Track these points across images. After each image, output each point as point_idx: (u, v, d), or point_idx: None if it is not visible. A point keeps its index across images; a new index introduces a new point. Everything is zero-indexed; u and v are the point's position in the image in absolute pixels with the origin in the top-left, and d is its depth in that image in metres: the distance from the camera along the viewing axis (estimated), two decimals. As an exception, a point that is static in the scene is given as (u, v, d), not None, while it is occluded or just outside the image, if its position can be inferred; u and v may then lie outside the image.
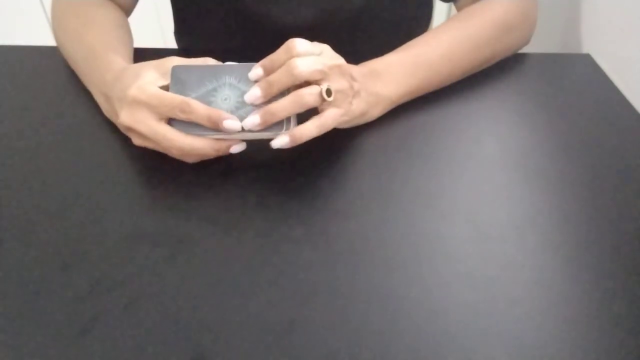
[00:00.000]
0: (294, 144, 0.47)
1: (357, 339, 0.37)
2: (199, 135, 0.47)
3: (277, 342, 0.37)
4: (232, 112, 0.47)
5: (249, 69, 0.48)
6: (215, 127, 0.46)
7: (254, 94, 0.47)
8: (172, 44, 0.85)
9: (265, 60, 0.48)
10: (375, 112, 0.56)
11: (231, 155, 0.50)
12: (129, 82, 0.48)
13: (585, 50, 0.75)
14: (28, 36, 1.56)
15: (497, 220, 0.46)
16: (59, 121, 0.58)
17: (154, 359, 0.36)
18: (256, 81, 0.48)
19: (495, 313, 0.39)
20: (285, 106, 0.46)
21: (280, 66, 0.47)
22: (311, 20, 0.67)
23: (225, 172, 0.51)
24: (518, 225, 0.46)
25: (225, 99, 0.47)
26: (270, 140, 0.48)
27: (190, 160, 0.50)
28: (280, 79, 0.46)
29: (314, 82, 0.47)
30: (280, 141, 0.47)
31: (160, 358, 0.36)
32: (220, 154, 0.49)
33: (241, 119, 0.47)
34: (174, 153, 0.49)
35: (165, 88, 0.48)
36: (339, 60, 0.50)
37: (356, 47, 0.70)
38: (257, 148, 0.50)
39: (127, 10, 0.70)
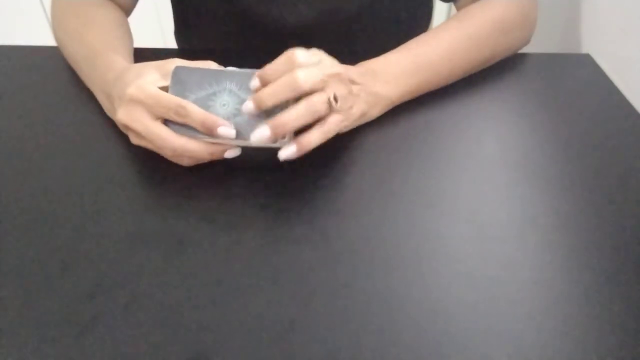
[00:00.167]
0: (301, 154, 0.46)
1: (357, 339, 0.37)
2: (193, 137, 0.47)
3: (277, 342, 0.37)
4: (229, 119, 0.47)
5: (251, 76, 0.48)
6: (209, 133, 0.46)
7: (250, 106, 0.46)
8: (172, 44, 0.85)
9: (264, 71, 0.47)
10: (375, 112, 0.56)
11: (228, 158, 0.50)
12: (129, 80, 0.48)
13: (585, 50, 0.75)
14: (28, 36, 1.55)
15: (497, 220, 0.46)
16: (59, 121, 0.58)
17: (154, 359, 0.36)
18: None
19: (495, 313, 0.39)
20: (298, 116, 0.45)
21: (278, 77, 0.46)
22: (311, 20, 0.67)
23: (225, 172, 0.51)
24: (518, 225, 0.46)
25: (224, 105, 0.47)
26: (266, 148, 0.48)
27: (183, 162, 0.50)
28: (282, 91, 0.45)
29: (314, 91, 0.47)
30: (287, 152, 0.46)
31: (160, 358, 0.36)
32: (215, 158, 0.49)
33: (238, 126, 0.47)
34: (167, 154, 0.49)
35: (165, 89, 0.48)
36: (337, 67, 0.49)
37: (356, 47, 0.70)
38: (257, 148, 0.50)
39: (127, 10, 0.70)
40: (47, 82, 0.64)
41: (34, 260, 0.43)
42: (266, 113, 0.47)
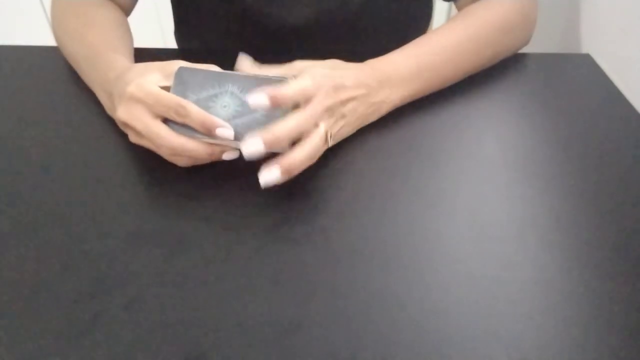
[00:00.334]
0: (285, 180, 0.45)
1: (357, 339, 0.37)
2: (192, 137, 0.47)
3: (277, 342, 0.37)
4: (228, 121, 0.47)
5: (254, 81, 0.48)
6: (208, 134, 0.46)
7: (255, 146, 0.44)
8: (172, 44, 0.85)
9: (276, 97, 0.45)
10: (375, 117, 0.56)
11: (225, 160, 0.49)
12: (130, 79, 0.48)
13: (585, 50, 0.75)
14: (28, 36, 1.56)
15: (497, 220, 0.46)
16: (59, 121, 0.58)
17: (154, 359, 0.36)
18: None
19: (495, 313, 0.39)
20: (303, 161, 0.45)
21: (291, 103, 0.46)
22: (311, 20, 0.67)
23: (225, 172, 0.51)
24: (518, 225, 0.46)
25: (225, 106, 0.47)
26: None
27: (181, 163, 0.50)
28: (287, 136, 0.45)
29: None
30: (270, 176, 0.45)
31: (161, 358, 0.36)
32: (213, 159, 0.49)
33: (237, 127, 0.47)
34: (165, 152, 0.49)
35: (167, 89, 0.48)
36: (341, 94, 0.49)
37: (356, 47, 0.70)
38: (257, 148, 0.50)
39: (127, 10, 0.70)
40: (47, 82, 0.64)
41: (34, 260, 0.43)
42: (266, 117, 0.47)
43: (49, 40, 0.69)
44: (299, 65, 0.51)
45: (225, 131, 0.46)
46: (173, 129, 0.47)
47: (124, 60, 0.55)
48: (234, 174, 0.51)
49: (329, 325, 0.38)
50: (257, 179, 0.50)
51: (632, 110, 0.59)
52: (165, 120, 0.48)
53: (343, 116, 0.51)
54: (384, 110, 0.56)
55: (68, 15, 0.64)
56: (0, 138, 0.56)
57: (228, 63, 0.51)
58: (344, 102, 0.51)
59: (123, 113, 0.48)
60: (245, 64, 0.51)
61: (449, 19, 0.63)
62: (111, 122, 0.56)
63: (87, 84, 0.61)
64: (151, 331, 0.38)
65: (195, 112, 0.46)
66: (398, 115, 0.57)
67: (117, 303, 0.40)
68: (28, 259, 0.43)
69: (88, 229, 0.45)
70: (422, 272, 0.42)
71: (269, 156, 0.45)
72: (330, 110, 0.49)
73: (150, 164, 0.52)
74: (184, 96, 0.47)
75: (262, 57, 0.51)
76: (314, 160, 0.47)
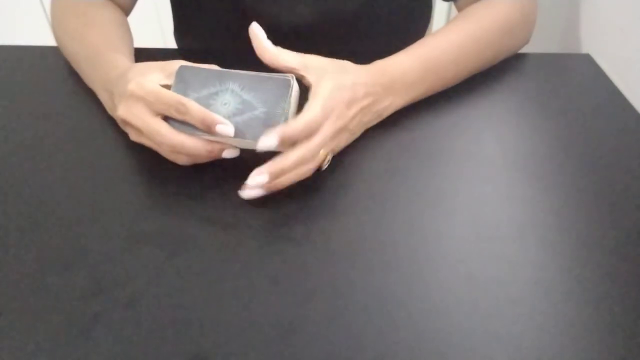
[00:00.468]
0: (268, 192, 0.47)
1: (357, 339, 0.37)
2: (192, 135, 0.47)
3: (277, 342, 0.37)
4: (229, 118, 0.47)
5: (255, 78, 0.48)
6: (208, 131, 0.46)
7: (263, 179, 0.46)
8: (172, 44, 0.85)
9: (284, 136, 0.45)
10: (375, 122, 0.55)
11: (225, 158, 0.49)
12: (131, 77, 0.48)
13: (585, 50, 0.75)
14: (28, 36, 1.55)
15: (497, 220, 0.46)
16: (59, 121, 0.58)
17: (154, 359, 0.36)
18: (260, 96, 0.47)
19: (495, 313, 0.39)
20: (288, 179, 0.46)
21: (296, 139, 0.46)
22: (311, 20, 0.67)
23: (226, 172, 0.51)
24: (518, 225, 0.46)
25: (225, 104, 0.47)
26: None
27: (181, 161, 0.50)
28: (290, 168, 0.46)
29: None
30: (254, 191, 0.46)
31: (160, 358, 0.36)
32: (213, 156, 0.49)
33: (238, 125, 0.47)
34: (165, 150, 0.49)
35: (168, 88, 0.48)
36: (341, 118, 0.48)
37: (355, 47, 0.70)
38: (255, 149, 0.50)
39: (126, 10, 0.70)
40: (47, 82, 0.64)
41: (34, 260, 0.43)
42: (267, 115, 0.47)
43: (49, 40, 0.69)
44: (311, 63, 0.50)
45: (226, 128, 0.46)
46: (173, 127, 0.47)
47: (124, 59, 0.55)
48: (234, 174, 0.50)
49: (329, 325, 0.38)
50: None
51: (632, 110, 0.59)
52: (166, 119, 0.48)
53: (349, 131, 0.51)
54: (386, 114, 0.56)
55: (68, 15, 0.64)
56: (0, 138, 0.56)
57: (228, 63, 0.51)
58: (353, 117, 0.50)
59: (123, 111, 0.48)
60: (257, 35, 0.50)
61: (452, 19, 0.63)
62: (111, 121, 0.56)
63: (87, 83, 0.61)
64: (151, 331, 0.38)
65: (195, 109, 0.46)
66: (398, 116, 0.57)
67: (117, 303, 0.40)
68: (28, 259, 0.43)
69: (88, 229, 0.45)
70: (422, 272, 0.42)
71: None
72: (338, 131, 0.48)
73: (150, 163, 0.52)
74: (185, 94, 0.47)
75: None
76: (302, 177, 0.47)
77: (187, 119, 0.46)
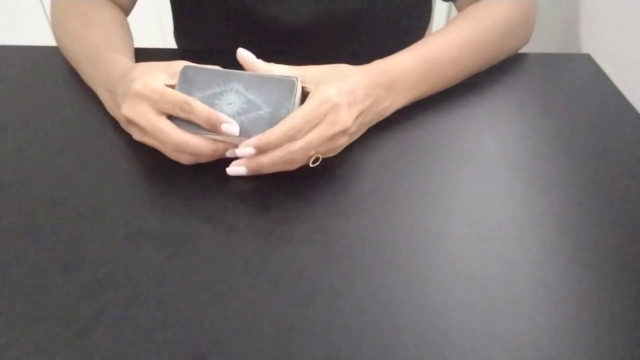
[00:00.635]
0: (251, 174, 0.48)
1: (357, 339, 0.37)
2: (197, 134, 0.47)
3: (277, 342, 0.37)
4: (233, 118, 0.47)
5: (260, 79, 0.48)
6: (213, 130, 0.47)
7: (239, 170, 0.48)
8: (172, 44, 0.85)
9: (264, 143, 0.46)
10: (376, 122, 0.55)
11: (229, 157, 0.50)
12: (135, 77, 0.48)
13: (585, 50, 0.75)
14: (28, 36, 1.56)
15: (497, 220, 0.46)
16: (59, 121, 0.58)
17: (154, 359, 0.36)
18: (264, 96, 0.48)
19: (495, 313, 0.39)
20: (274, 165, 0.47)
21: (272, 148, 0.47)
22: (310, 20, 0.67)
23: (226, 172, 0.51)
24: (518, 225, 0.46)
25: (230, 104, 0.48)
26: None
27: (185, 160, 0.50)
28: (275, 165, 0.47)
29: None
30: (237, 170, 0.48)
31: (161, 358, 0.36)
32: (217, 155, 0.49)
33: (242, 124, 0.47)
34: (169, 149, 0.49)
35: (172, 87, 0.48)
36: (341, 123, 0.48)
37: (355, 47, 0.70)
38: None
39: (126, 10, 0.70)
40: (47, 82, 0.64)
41: (34, 260, 0.43)
42: (271, 115, 0.47)
43: (49, 40, 0.69)
44: (308, 73, 0.50)
45: (231, 127, 0.46)
46: (178, 126, 0.47)
47: (125, 59, 0.55)
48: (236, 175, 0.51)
49: (329, 325, 0.38)
50: (257, 179, 0.50)
51: (632, 110, 0.59)
52: (170, 118, 0.48)
53: (349, 134, 0.50)
54: (387, 114, 0.56)
55: (68, 15, 0.64)
56: (0, 138, 0.56)
57: (228, 63, 0.51)
58: (353, 121, 0.49)
59: (128, 110, 0.48)
60: (247, 58, 0.51)
61: (452, 19, 0.63)
62: (112, 121, 0.56)
63: (88, 83, 0.61)
64: (151, 331, 0.38)
65: (200, 108, 0.46)
66: (398, 115, 0.57)
67: (117, 303, 0.40)
68: (28, 259, 0.43)
69: (88, 229, 0.45)
70: (422, 272, 0.42)
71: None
72: (334, 136, 0.48)
73: (150, 164, 0.52)
74: (189, 94, 0.48)
75: (262, 57, 0.51)
76: (289, 167, 0.48)
77: (192, 118, 0.46)
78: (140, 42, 0.66)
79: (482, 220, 0.46)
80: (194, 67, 0.49)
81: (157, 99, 0.47)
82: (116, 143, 0.54)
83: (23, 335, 0.38)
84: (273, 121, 0.47)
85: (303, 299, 0.40)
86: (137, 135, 0.50)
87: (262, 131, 0.46)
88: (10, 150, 0.54)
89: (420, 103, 0.58)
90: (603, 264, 0.42)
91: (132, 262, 0.43)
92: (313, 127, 0.46)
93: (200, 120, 0.46)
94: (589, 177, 0.50)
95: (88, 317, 0.39)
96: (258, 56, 0.51)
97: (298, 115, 0.46)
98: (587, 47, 0.75)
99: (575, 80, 0.64)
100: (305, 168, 0.49)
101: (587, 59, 0.68)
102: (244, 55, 0.50)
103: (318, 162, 0.48)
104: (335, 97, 0.47)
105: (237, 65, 0.50)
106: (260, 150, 0.46)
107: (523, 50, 0.67)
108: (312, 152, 0.47)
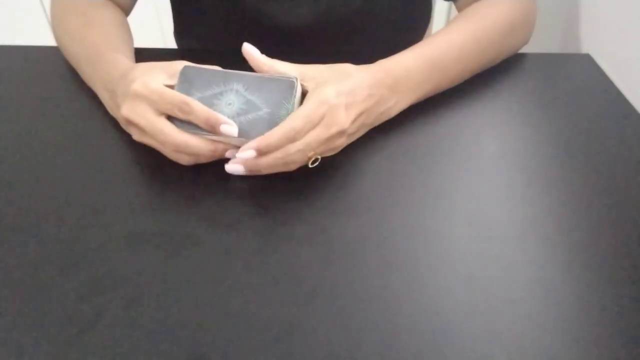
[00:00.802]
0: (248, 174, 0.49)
1: (357, 339, 0.37)
2: (196, 134, 0.47)
3: (277, 342, 0.37)
4: (233, 118, 0.47)
5: (259, 79, 0.48)
6: (212, 130, 0.47)
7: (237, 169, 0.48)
8: (172, 44, 0.85)
9: (263, 144, 0.46)
10: (379, 122, 0.55)
11: (228, 158, 0.50)
12: (134, 77, 0.48)
13: (585, 50, 0.75)
14: (28, 36, 1.56)
15: (497, 220, 0.46)
16: (59, 121, 0.58)
17: (154, 359, 0.36)
18: (264, 96, 0.47)
19: (496, 313, 0.39)
20: (272, 167, 0.47)
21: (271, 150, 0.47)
22: (310, 20, 0.67)
23: (226, 172, 0.51)
24: (518, 225, 0.46)
25: (229, 104, 0.48)
26: None
27: (184, 161, 0.50)
28: (274, 166, 0.47)
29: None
30: (235, 168, 0.48)
31: (161, 358, 0.36)
32: (216, 156, 0.49)
33: (242, 125, 0.47)
34: (168, 150, 0.49)
35: (171, 88, 0.48)
36: (340, 123, 0.48)
37: (356, 47, 0.70)
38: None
39: (126, 10, 0.70)
40: (47, 82, 0.64)
41: (34, 260, 0.43)
42: (271, 115, 0.47)
43: (49, 40, 0.69)
44: (309, 72, 0.50)
45: (230, 128, 0.46)
46: (177, 127, 0.47)
47: (125, 59, 0.56)
48: (234, 174, 0.51)
49: (329, 325, 0.38)
50: (257, 180, 0.50)
51: (632, 110, 0.59)
52: (170, 119, 0.48)
53: (348, 135, 0.50)
54: (392, 114, 0.55)
55: (68, 15, 0.64)
56: (0, 138, 0.56)
57: (228, 63, 0.51)
58: (352, 122, 0.49)
59: (127, 110, 0.48)
60: (251, 53, 0.51)
61: (452, 19, 0.63)
62: (111, 121, 0.56)
63: (87, 83, 0.61)
64: (151, 331, 0.38)
65: (199, 108, 0.46)
66: (398, 115, 0.57)
67: (117, 303, 0.40)
68: (28, 259, 0.43)
69: (88, 229, 0.45)
70: (422, 272, 0.42)
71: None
72: (331, 137, 0.48)
73: (150, 164, 0.52)
74: (189, 94, 0.48)
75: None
76: (287, 168, 0.48)
77: (191, 118, 0.46)
78: (140, 42, 0.66)
79: (482, 220, 0.46)
80: (194, 67, 0.49)
81: (157, 99, 0.47)
82: (116, 143, 0.54)
83: (23, 336, 0.38)
84: (272, 122, 0.47)
85: (303, 299, 0.40)
86: (136, 136, 0.50)
87: (262, 132, 0.46)
88: (10, 150, 0.54)
89: (420, 103, 0.58)
90: (603, 264, 0.42)
91: (132, 262, 0.43)
92: (312, 128, 0.46)
93: (199, 120, 0.46)
94: (589, 176, 0.50)
95: (88, 317, 0.39)
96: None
97: (298, 117, 0.46)
98: (587, 47, 0.75)
99: (575, 80, 0.64)
100: (304, 168, 0.49)
101: (587, 59, 0.68)
102: (249, 50, 0.50)
103: (317, 163, 0.48)
104: (333, 99, 0.47)
105: (237, 66, 0.50)
106: (261, 153, 0.46)
107: (523, 50, 0.67)
108: (311, 153, 0.47)
